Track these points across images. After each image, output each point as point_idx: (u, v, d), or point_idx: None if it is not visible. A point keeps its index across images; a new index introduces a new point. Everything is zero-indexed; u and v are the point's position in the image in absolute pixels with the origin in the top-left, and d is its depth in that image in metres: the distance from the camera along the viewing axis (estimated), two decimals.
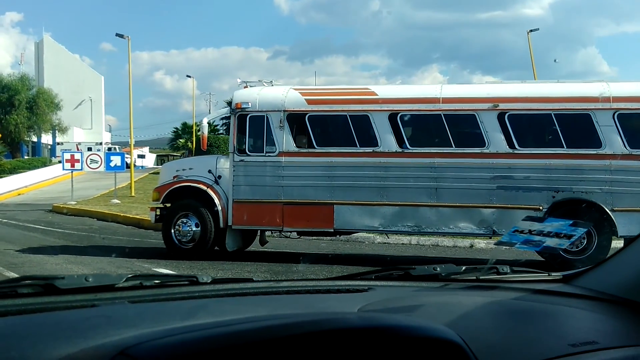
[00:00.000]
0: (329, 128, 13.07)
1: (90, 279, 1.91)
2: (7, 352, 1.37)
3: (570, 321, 2.03)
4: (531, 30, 34.16)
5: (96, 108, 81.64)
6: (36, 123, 57.66)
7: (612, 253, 2.41)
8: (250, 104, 12.50)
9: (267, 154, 12.41)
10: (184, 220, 12.67)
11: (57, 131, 62.94)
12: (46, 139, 67.74)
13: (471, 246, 14.16)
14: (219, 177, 12.77)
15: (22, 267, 11.16)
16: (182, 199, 12.87)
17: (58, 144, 65.44)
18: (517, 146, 11.52)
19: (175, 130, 67.00)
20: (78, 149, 43.03)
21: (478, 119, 11.68)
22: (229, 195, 12.51)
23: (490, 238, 12.30)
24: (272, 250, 13.56)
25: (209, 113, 54.86)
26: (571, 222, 10.62)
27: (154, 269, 10.86)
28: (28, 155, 62.49)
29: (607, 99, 11.24)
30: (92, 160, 26.79)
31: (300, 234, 13.16)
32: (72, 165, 25.93)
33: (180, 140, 63.40)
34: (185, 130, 64.24)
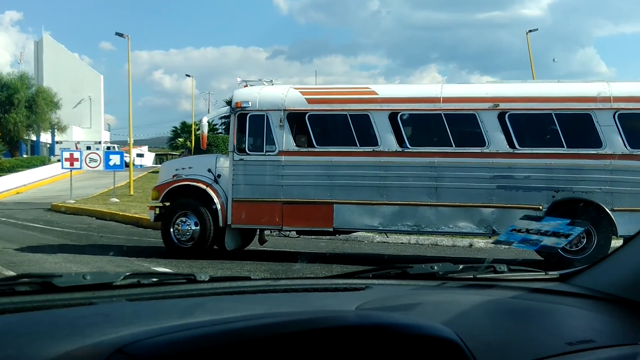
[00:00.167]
0: (329, 127, 13.04)
1: (87, 277, 1.91)
2: (4, 350, 1.37)
3: (567, 320, 2.03)
4: (530, 31, 34.21)
5: (95, 107, 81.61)
6: (35, 122, 57.67)
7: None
8: (250, 103, 12.47)
9: (267, 153, 12.39)
10: (183, 219, 12.65)
11: (56, 130, 62.96)
12: (45, 137, 67.72)
13: (470, 245, 14.15)
14: (219, 176, 12.75)
15: (21, 265, 11.14)
16: (181, 198, 12.84)
17: (57, 142, 65.45)
18: (517, 146, 11.50)
19: (174, 129, 67.06)
20: (77, 148, 42.96)
21: (478, 119, 11.67)
22: (228, 194, 12.48)
23: (490, 237, 12.30)
24: (272, 249, 13.54)
25: (208, 112, 54.90)
26: (569, 221, 10.61)
27: (153, 268, 10.84)
28: (27, 154, 62.47)
29: (607, 99, 11.22)
30: (91, 159, 26.74)
31: (299, 233, 13.15)
32: (71, 164, 25.88)
33: (179, 139, 63.41)
34: (184, 129, 64.26)
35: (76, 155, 26.47)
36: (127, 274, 2.01)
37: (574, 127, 11.63)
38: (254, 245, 13.49)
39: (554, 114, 11.45)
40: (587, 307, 2.11)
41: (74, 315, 1.69)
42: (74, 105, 74.50)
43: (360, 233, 14.45)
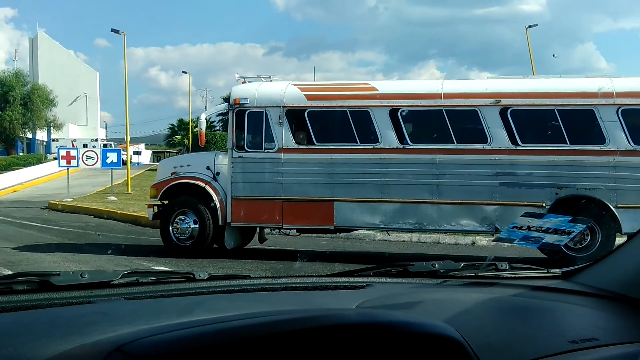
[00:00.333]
0: (329, 124, 12.93)
1: (85, 276, 1.92)
2: (1, 349, 1.37)
3: (570, 318, 2.01)
4: (530, 26, 34.10)
5: (91, 104, 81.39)
6: (31, 119, 57.41)
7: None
8: (248, 99, 12.35)
9: (266, 151, 12.27)
10: (182, 217, 12.55)
11: (52, 127, 62.75)
12: (41, 135, 67.47)
13: (473, 243, 14.04)
14: (217, 173, 12.63)
15: (19, 265, 11.04)
16: (180, 196, 12.73)
17: (53, 140, 65.15)
18: (519, 142, 11.39)
19: (171, 126, 66.69)
20: (73, 146, 42.80)
21: (480, 115, 11.55)
22: (227, 192, 12.37)
23: (493, 235, 12.17)
24: (273, 247, 13.44)
25: (205, 109, 54.75)
26: (570, 218, 10.52)
27: (153, 267, 10.72)
28: (23, 152, 62.24)
29: (610, 95, 11.10)
30: (89, 157, 26.62)
31: (299, 231, 13.02)
32: (68, 162, 25.73)
33: (177, 136, 63.09)
34: (182, 126, 63.94)
35: (73, 153, 26.31)
36: (126, 272, 2.02)
37: (577, 123, 11.53)
38: (255, 243, 13.39)
39: (557, 109, 11.34)
40: (590, 305, 2.09)
41: (72, 313, 1.68)
42: (70, 103, 74.28)
43: (361, 231, 14.33)
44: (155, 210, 12.98)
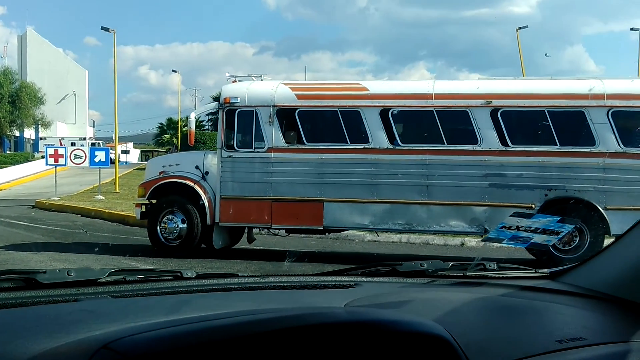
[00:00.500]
0: (319, 124, 12.89)
1: (72, 274, 1.91)
2: None
3: (557, 317, 2.02)
4: (520, 28, 34.19)
5: (80, 103, 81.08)
6: (19, 117, 57.00)
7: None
8: (239, 98, 12.29)
9: (255, 150, 12.22)
10: (170, 216, 12.47)
11: (40, 126, 62.32)
12: (29, 133, 67.10)
13: (462, 244, 14.02)
14: (207, 173, 12.56)
15: (5, 264, 10.91)
16: (168, 195, 12.64)
17: (41, 138, 64.84)
18: (509, 143, 11.39)
19: (160, 125, 66.57)
20: (61, 144, 42.62)
21: (471, 116, 11.53)
22: (216, 191, 12.30)
23: (482, 236, 12.16)
24: (262, 248, 13.37)
25: (195, 108, 54.53)
26: (559, 218, 10.55)
27: (141, 267, 10.63)
28: (10, 150, 61.87)
29: (600, 96, 11.11)
30: (76, 156, 26.41)
31: (288, 231, 12.95)
32: (56, 161, 25.55)
33: (165, 135, 63.03)
34: (171, 125, 63.83)
35: (61, 151, 26.15)
36: (112, 270, 2.00)
37: (567, 124, 11.54)
38: (244, 244, 13.32)
39: (547, 111, 11.33)
40: (577, 304, 2.10)
41: (59, 311, 1.67)
42: (58, 101, 73.99)
43: (350, 232, 14.29)
44: (143, 209, 12.89)
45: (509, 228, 10.78)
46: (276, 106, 12.14)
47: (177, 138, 55.35)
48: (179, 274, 2.16)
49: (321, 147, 12.10)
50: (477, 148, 11.49)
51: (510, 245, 11.20)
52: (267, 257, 12.06)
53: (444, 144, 11.63)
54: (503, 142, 11.40)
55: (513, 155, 11.38)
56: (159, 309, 1.76)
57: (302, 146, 12.12)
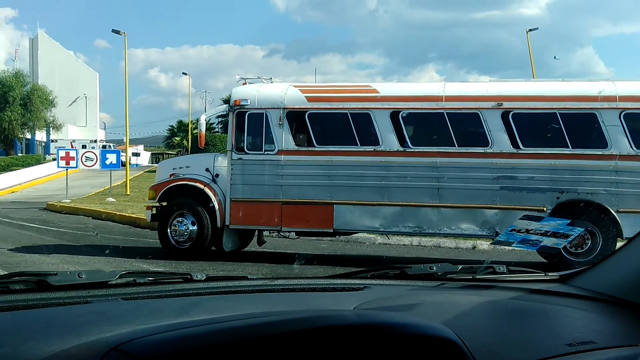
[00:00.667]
0: (329, 126, 12.86)
1: (83, 276, 1.92)
2: None
3: (567, 321, 2.01)
4: (530, 30, 34.06)
5: (91, 105, 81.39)
6: (30, 120, 57.34)
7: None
8: (249, 101, 12.28)
9: (266, 152, 12.21)
10: (181, 219, 12.47)
11: (51, 128, 62.64)
12: (40, 136, 67.43)
13: (474, 247, 13.95)
14: (217, 175, 12.56)
15: (17, 266, 10.95)
16: (178, 198, 12.65)
17: (52, 141, 65.09)
18: (521, 146, 11.32)
19: (170, 128, 66.59)
20: (72, 147, 42.77)
21: (482, 118, 11.48)
22: (226, 194, 12.30)
23: (493, 239, 12.10)
24: (273, 250, 13.36)
25: (205, 111, 54.66)
26: (569, 221, 10.49)
27: (151, 269, 10.64)
28: (22, 153, 62.20)
29: (613, 98, 11.03)
30: (88, 158, 26.53)
31: (299, 234, 12.93)
32: (67, 163, 25.63)
33: (176, 138, 63.00)
34: (181, 128, 63.85)
35: (72, 154, 26.22)
36: (123, 272, 2.02)
37: (579, 127, 11.45)
38: (255, 247, 13.30)
39: (559, 113, 11.25)
40: (587, 308, 2.09)
41: (69, 313, 1.69)
42: (69, 104, 74.29)
43: (361, 234, 14.24)
44: (154, 211, 12.89)
45: (519, 231, 10.74)
46: (286, 108, 12.12)
47: (188, 140, 55.38)
48: (189, 277, 2.16)
49: (331, 149, 12.07)
50: (488, 150, 11.43)
51: (520, 249, 11.15)
52: (278, 260, 12.03)
53: (455, 146, 11.58)
54: (514, 144, 11.33)
55: (524, 158, 11.31)
56: (169, 311, 1.77)
57: (312, 148, 12.10)
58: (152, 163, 65.99)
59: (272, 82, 13.09)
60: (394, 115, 11.81)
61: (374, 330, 1.47)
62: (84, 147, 46.09)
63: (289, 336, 1.37)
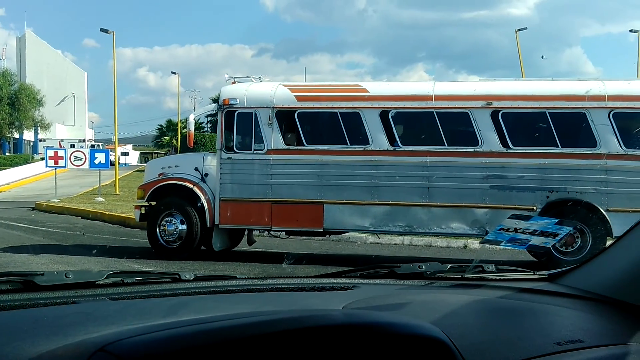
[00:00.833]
0: (319, 125, 12.82)
1: (70, 276, 1.91)
2: None
3: (556, 320, 2.01)
4: (519, 30, 34.15)
5: (79, 104, 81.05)
6: (18, 119, 57.07)
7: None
8: (238, 100, 12.24)
9: (255, 152, 12.17)
10: (169, 218, 12.41)
11: (39, 127, 62.33)
12: (28, 135, 67.12)
13: (465, 247, 13.95)
14: (206, 174, 12.51)
15: (6, 267, 10.84)
16: (167, 197, 12.59)
17: (40, 140, 64.84)
18: (510, 145, 11.34)
19: (159, 127, 66.52)
20: (61, 146, 42.53)
21: (471, 117, 11.48)
22: (215, 193, 12.25)
23: (482, 238, 12.11)
24: (264, 250, 13.32)
25: (194, 110, 54.51)
26: (557, 220, 10.51)
27: (141, 269, 10.58)
28: (9, 152, 61.86)
29: (602, 98, 11.06)
30: (76, 157, 26.38)
31: (289, 233, 12.90)
32: (56, 162, 25.50)
33: (165, 137, 62.95)
34: (170, 127, 63.75)
35: (61, 153, 26.09)
36: (111, 272, 2.01)
37: (568, 126, 11.47)
38: (245, 246, 13.25)
39: (548, 112, 11.27)
40: (576, 307, 2.09)
41: (56, 314, 1.68)
42: (58, 103, 73.99)
43: (353, 234, 14.23)
44: (143, 211, 12.84)
45: (508, 230, 10.74)
46: (275, 107, 12.09)
47: (177, 140, 55.27)
48: (177, 276, 2.15)
49: (321, 148, 12.05)
50: (478, 150, 11.44)
51: (509, 248, 11.17)
52: (269, 260, 12.00)
53: (445, 145, 11.58)
54: (504, 143, 11.35)
55: (514, 157, 11.33)
56: (157, 311, 1.76)
57: (302, 148, 12.07)
58: (141, 162, 65.77)
59: (261, 81, 13.04)
60: (384, 114, 11.80)
61: (362, 330, 1.47)
62: (72, 146, 45.87)
63: (277, 336, 1.37)
